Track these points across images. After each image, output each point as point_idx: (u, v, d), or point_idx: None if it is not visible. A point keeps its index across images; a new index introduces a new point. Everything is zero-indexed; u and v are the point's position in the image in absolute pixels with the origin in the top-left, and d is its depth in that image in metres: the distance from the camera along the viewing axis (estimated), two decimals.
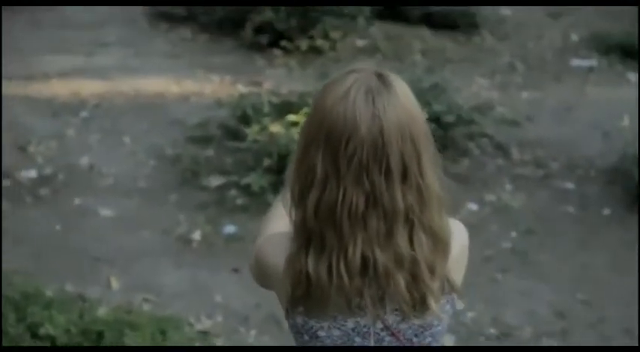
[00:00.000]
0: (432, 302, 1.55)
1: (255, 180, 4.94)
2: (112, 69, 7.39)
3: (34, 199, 5.19)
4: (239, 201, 5.06)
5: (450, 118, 5.44)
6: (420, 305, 1.55)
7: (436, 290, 1.56)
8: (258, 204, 4.88)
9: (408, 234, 1.52)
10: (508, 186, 5.23)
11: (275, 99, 5.87)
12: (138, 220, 4.98)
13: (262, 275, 1.68)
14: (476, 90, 6.87)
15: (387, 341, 1.60)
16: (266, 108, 5.69)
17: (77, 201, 5.19)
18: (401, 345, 1.60)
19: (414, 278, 1.54)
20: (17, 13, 8.86)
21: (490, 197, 5.06)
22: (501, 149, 5.75)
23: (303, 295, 1.55)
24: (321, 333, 1.59)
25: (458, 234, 1.63)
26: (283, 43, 7.54)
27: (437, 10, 8.04)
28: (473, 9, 8.17)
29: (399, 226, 1.51)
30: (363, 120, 1.47)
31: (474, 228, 4.76)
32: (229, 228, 4.77)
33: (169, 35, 8.28)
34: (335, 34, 7.47)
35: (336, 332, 1.58)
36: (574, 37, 8.25)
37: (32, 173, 5.50)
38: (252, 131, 5.43)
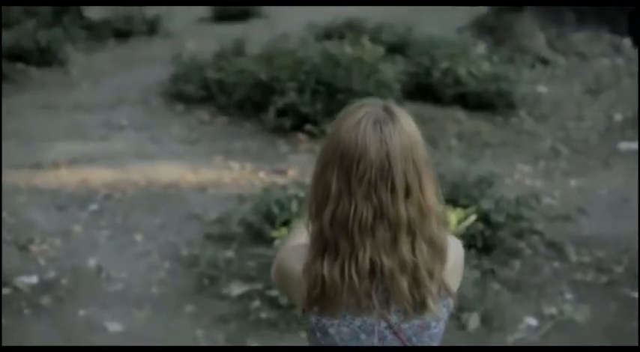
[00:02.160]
0: (430, 303, 1.75)
1: None
2: (125, 155, 6.90)
3: (34, 310, 4.61)
4: (264, 315, 4.46)
5: (499, 217, 4.87)
6: (420, 305, 1.75)
7: (434, 293, 1.76)
8: (287, 319, 4.28)
9: (410, 242, 1.73)
10: (569, 296, 4.61)
11: (302, 193, 5.32)
12: (149, 336, 4.38)
13: (282, 281, 1.89)
14: (519, 179, 6.32)
15: (389, 339, 1.79)
16: (293, 206, 5.13)
17: (82, 312, 4.60)
18: (401, 344, 1.79)
19: (416, 281, 1.74)
20: (31, 94, 8.48)
21: (550, 309, 4.44)
22: (555, 248, 5.15)
23: (319, 296, 1.75)
24: (331, 330, 1.79)
25: (454, 247, 1.84)
26: (308, 126, 7.05)
27: (471, 90, 7.55)
28: (508, 88, 7.68)
29: (403, 236, 1.72)
30: (372, 145, 1.70)
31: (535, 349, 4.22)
32: None
33: (186, 118, 7.82)
34: None
35: (345, 330, 1.78)
36: (617, 117, 7.73)
37: (33, 279, 4.94)
38: (278, 234, 4.86)
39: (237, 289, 4.73)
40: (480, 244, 4.88)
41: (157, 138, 7.33)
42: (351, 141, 1.71)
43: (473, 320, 4.30)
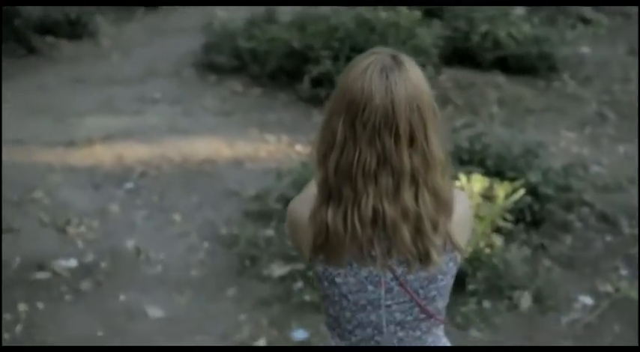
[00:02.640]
0: (434, 255, 1.74)
1: None
2: (159, 130, 6.78)
3: (74, 296, 4.54)
4: (307, 297, 4.34)
5: (547, 190, 4.68)
6: (424, 257, 1.74)
7: (439, 246, 1.75)
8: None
9: (413, 192, 1.72)
10: (624, 271, 4.43)
11: None
12: (192, 322, 4.29)
13: (293, 230, 1.89)
14: (564, 146, 6.11)
15: (396, 290, 1.80)
16: None
17: (122, 297, 4.52)
18: (408, 296, 1.80)
19: (418, 232, 1.73)
20: (62, 68, 8.37)
21: (605, 286, 4.27)
22: (607, 221, 4.96)
23: (323, 243, 1.76)
24: (339, 280, 1.80)
25: (461, 201, 1.82)
26: None
27: (511, 53, 7.29)
28: (550, 50, 7.41)
29: (406, 184, 1.71)
30: (377, 92, 1.70)
31: (591, 328, 4.05)
32: (299, 334, 4.05)
33: (219, 89, 7.67)
34: None
35: (352, 280, 1.79)
36: None
37: (72, 262, 4.86)
38: None
39: (278, 270, 4.61)
40: (529, 218, 4.71)
41: (191, 111, 7.19)
42: (357, 87, 1.73)
43: (525, 300, 4.16)
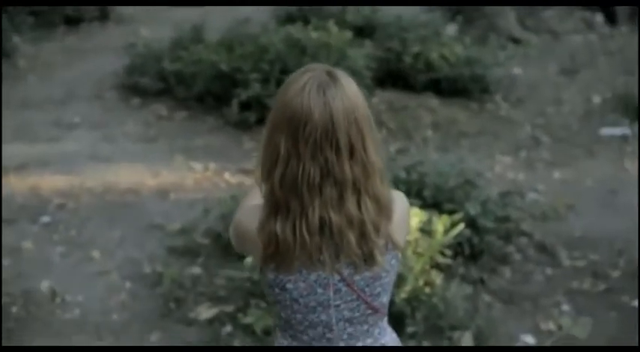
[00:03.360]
0: (378, 256, 1.87)
1: (257, 318, 3.95)
2: (78, 158, 6.41)
3: None
4: (237, 342, 4.06)
5: (486, 222, 4.51)
6: (369, 258, 1.87)
7: (381, 246, 1.88)
8: (261, 348, 3.89)
9: (356, 199, 1.84)
10: (565, 307, 4.28)
11: None
12: None
13: (240, 240, 1.97)
14: (500, 171, 5.97)
15: (344, 291, 1.90)
16: None
17: (36, 345, 4.16)
18: (355, 295, 1.91)
19: (363, 236, 1.85)
20: None
21: (547, 324, 4.10)
22: (546, 251, 4.81)
23: (273, 253, 1.86)
24: (289, 285, 1.89)
25: (399, 202, 1.93)
26: None
27: (444, 75, 7.16)
28: (482, 71, 7.30)
29: (349, 193, 1.83)
30: (317, 108, 1.80)
31: None
32: None
33: (142, 113, 7.33)
34: None
35: (302, 285, 1.89)
36: (596, 99, 7.41)
37: None
38: None
39: (205, 312, 4.32)
40: (468, 251, 4.53)
41: (112, 136, 6.84)
42: (296, 105, 1.80)
43: (465, 340, 3.95)
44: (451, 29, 8.18)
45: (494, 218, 4.56)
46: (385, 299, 1.97)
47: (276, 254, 1.86)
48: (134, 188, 5.89)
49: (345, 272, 1.88)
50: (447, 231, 4.21)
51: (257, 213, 1.88)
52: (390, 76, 7.27)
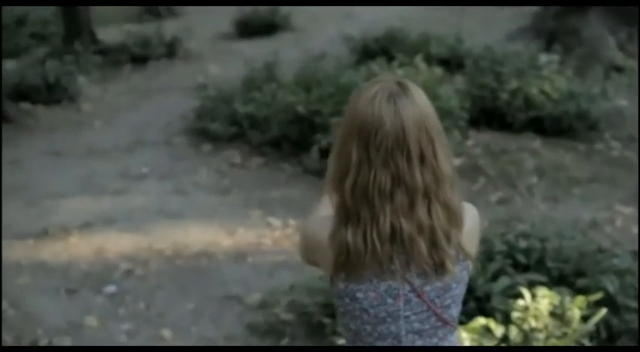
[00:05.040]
0: (449, 265, 1.86)
1: None
2: (147, 214, 5.87)
3: None
4: None
5: (627, 300, 3.76)
6: (439, 267, 1.86)
7: (452, 255, 1.87)
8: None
9: (426, 206, 1.85)
10: None
11: None
12: None
13: (309, 251, 1.99)
14: (622, 225, 5.21)
15: (414, 301, 1.89)
16: None
17: None
18: (425, 306, 1.89)
19: (433, 244, 1.85)
20: (38, 139, 7.48)
21: None
22: None
23: (344, 262, 1.87)
24: (360, 295, 1.90)
25: (469, 213, 1.94)
26: None
27: (547, 113, 6.42)
28: (586, 106, 6.53)
29: (419, 200, 1.84)
30: (388, 117, 1.84)
31: None
32: None
33: (214, 160, 6.77)
34: None
35: (372, 294, 1.89)
36: None
37: None
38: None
39: None
40: (605, 335, 3.78)
41: (183, 188, 6.28)
42: (367, 114, 1.83)
43: None
44: (547, 59, 7.42)
45: (635, 294, 3.81)
46: (455, 311, 1.95)
47: (347, 263, 1.87)
48: (207, 250, 5.30)
49: (416, 282, 1.88)
50: (584, 317, 3.48)
51: (328, 223, 1.91)
52: (485, 115, 6.57)
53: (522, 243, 3.96)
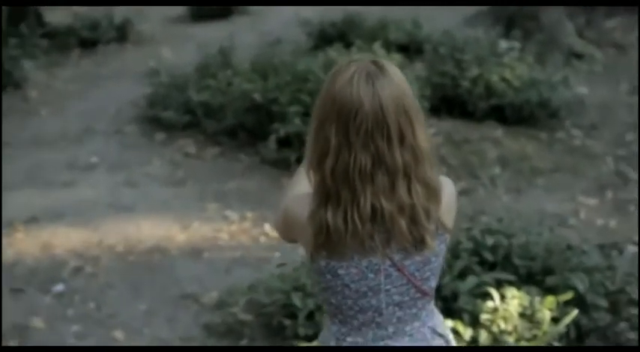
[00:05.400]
0: (429, 240, 1.91)
1: None
2: (97, 207, 5.63)
3: None
4: None
5: (597, 299, 3.66)
6: (419, 243, 1.90)
7: (432, 231, 1.91)
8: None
9: (406, 186, 1.87)
10: None
11: None
12: None
13: (288, 229, 2.01)
14: (586, 218, 5.12)
15: (395, 275, 1.94)
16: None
17: None
18: (405, 279, 1.94)
19: (413, 222, 1.88)
20: None
21: None
22: None
23: (324, 242, 1.90)
24: (341, 271, 1.93)
25: (447, 187, 1.97)
26: None
27: (508, 101, 6.31)
28: (547, 94, 6.43)
29: (400, 180, 1.86)
30: (366, 98, 1.84)
31: None
32: None
33: (168, 150, 6.53)
34: None
35: (353, 270, 1.93)
36: None
37: None
38: (304, 330, 3.64)
39: None
40: (574, 335, 3.67)
41: (135, 180, 6.04)
42: (346, 96, 1.84)
43: None
44: (507, 46, 7.30)
45: (605, 292, 3.71)
46: (433, 283, 1.99)
47: (328, 242, 1.88)
48: (161, 245, 5.09)
49: (396, 257, 1.91)
50: (554, 318, 3.37)
51: (307, 201, 1.91)
52: (446, 103, 6.42)
53: (489, 240, 3.83)
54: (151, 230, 5.28)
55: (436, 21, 8.87)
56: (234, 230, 5.26)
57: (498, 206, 5.22)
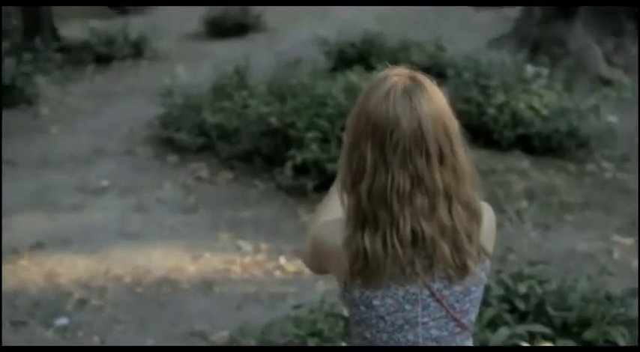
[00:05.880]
0: (472, 266, 1.76)
1: None
2: (105, 234, 5.41)
3: None
4: None
5: None
6: (461, 269, 1.76)
7: (474, 256, 1.77)
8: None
9: (447, 207, 1.74)
10: None
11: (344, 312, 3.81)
12: None
13: (318, 259, 1.87)
14: (620, 258, 4.84)
15: (433, 306, 1.79)
16: (338, 330, 3.64)
17: None
18: (444, 311, 1.79)
19: (456, 245, 1.75)
20: None
21: None
22: None
23: (361, 269, 1.75)
24: (376, 302, 1.79)
25: (486, 211, 1.84)
26: None
27: (536, 131, 6.05)
28: (576, 123, 6.17)
29: (440, 201, 1.73)
30: (403, 115, 1.72)
31: None
32: None
33: (180, 174, 6.30)
34: None
35: (389, 301, 1.78)
36: None
37: None
38: None
39: None
40: None
41: (145, 205, 5.81)
42: (381, 112, 1.72)
43: None
44: (533, 71, 7.05)
45: None
46: (473, 316, 1.87)
47: (365, 269, 1.75)
48: (171, 277, 4.85)
49: (435, 286, 1.79)
50: None
51: (340, 227, 1.79)
52: (470, 131, 6.12)
53: (521, 288, 3.55)
54: (161, 260, 5.05)
55: (459, 43, 8.65)
56: (247, 262, 5.02)
57: (526, 243, 4.96)
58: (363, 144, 1.74)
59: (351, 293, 1.80)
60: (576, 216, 5.29)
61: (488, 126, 6.10)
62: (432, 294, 1.78)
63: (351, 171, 1.76)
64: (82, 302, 4.64)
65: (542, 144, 6.02)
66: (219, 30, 10.93)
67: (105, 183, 6.20)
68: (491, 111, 6.09)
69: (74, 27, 10.59)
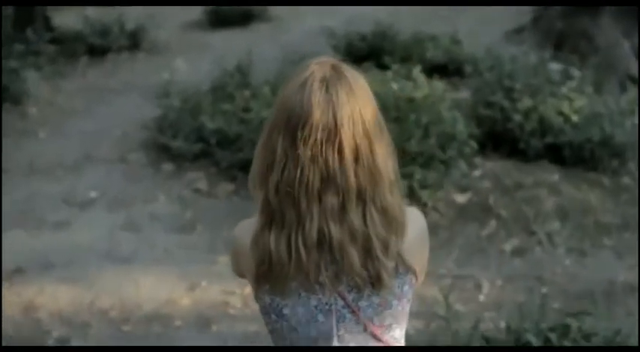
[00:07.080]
0: (386, 278, 1.60)
1: None
2: (91, 256, 4.91)
3: None
4: None
5: None
6: (375, 281, 1.60)
7: (390, 268, 1.61)
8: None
9: (361, 211, 1.60)
10: None
11: None
12: None
13: (235, 260, 1.75)
14: None
15: (348, 318, 1.64)
16: None
17: None
18: (362, 325, 1.64)
19: (368, 254, 1.60)
20: None
21: None
22: None
23: (266, 272, 1.61)
24: (286, 311, 1.64)
25: (415, 220, 1.70)
26: None
27: (568, 140, 5.50)
28: (610, 130, 5.61)
29: (352, 203, 1.60)
30: (317, 106, 1.58)
31: None
32: None
33: (176, 185, 5.78)
34: (423, 192, 4.93)
35: (301, 310, 1.64)
36: None
37: None
38: None
39: None
40: None
41: (137, 222, 5.30)
42: (296, 102, 1.60)
43: None
44: (556, 67, 6.49)
45: None
46: (398, 332, 1.69)
47: (270, 272, 1.60)
48: (162, 312, 4.34)
49: (350, 297, 1.62)
50: None
51: (252, 225, 1.65)
52: (493, 139, 5.62)
53: (565, 344, 3.05)
54: (152, 290, 4.53)
55: (475, 37, 8.10)
56: (248, 293, 4.50)
57: (560, 272, 4.44)
58: (275, 134, 1.61)
59: (262, 299, 1.67)
60: (614, 239, 4.76)
61: (514, 134, 5.55)
62: (347, 305, 1.63)
63: (262, 164, 1.64)
64: (62, 341, 4.14)
65: (574, 155, 5.46)
66: (221, 19, 10.36)
67: (93, 194, 5.68)
68: (517, 117, 5.54)
69: (68, 16, 10.04)
